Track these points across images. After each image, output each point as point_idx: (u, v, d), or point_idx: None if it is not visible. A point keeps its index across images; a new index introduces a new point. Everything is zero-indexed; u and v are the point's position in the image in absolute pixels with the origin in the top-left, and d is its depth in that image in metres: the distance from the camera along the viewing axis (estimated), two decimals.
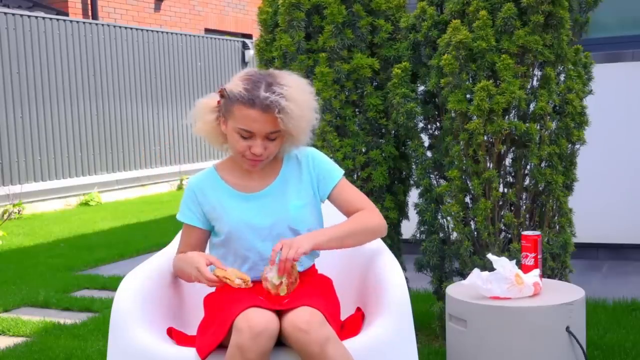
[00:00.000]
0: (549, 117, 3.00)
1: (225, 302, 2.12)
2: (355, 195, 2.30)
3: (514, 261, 2.47)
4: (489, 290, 2.39)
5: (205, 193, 2.27)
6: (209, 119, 2.22)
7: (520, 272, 2.45)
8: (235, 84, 2.14)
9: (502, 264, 2.42)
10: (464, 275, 3.13)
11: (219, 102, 2.20)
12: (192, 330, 2.36)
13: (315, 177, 2.29)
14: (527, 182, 3.08)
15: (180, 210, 2.30)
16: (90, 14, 11.35)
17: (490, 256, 2.44)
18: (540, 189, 3.05)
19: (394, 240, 3.36)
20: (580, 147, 3.15)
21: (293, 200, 2.25)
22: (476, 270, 2.46)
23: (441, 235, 3.22)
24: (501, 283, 2.38)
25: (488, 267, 2.90)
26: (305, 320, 1.95)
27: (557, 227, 3.10)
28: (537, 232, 2.56)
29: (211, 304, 2.23)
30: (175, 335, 2.20)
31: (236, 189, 2.27)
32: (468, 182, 3.05)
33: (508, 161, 3.07)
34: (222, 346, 2.03)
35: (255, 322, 1.92)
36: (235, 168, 2.30)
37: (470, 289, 2.50)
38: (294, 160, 2.31)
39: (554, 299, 2.40)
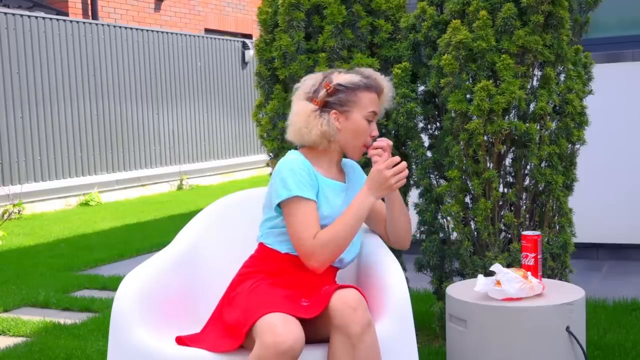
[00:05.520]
0: (549, 117, 3.00)
1: (263, 296, 2.12)
2: (383, 205, 2.50)
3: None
4: (502, 292, 2.38)
5: (313, 174, 2.27)
6: (316, 122, 2.27)
7: (523, 272, 2.45)
8: (349, 76, 2.31)
9: (499, 269, 2.41)
10: (464, 275, 3.13)
11: (318, 101, 2.28)
12: (191, 330, 2.35)
13: (359, 184, 2.43)
14: (527, 182, 3.08)
15: (299, 186, 2.20)
16: (90, 14, 11.35)
17: (494, 267, 2.43)
18: (540, 189, 3.05)
19: None
20: (580, 147, 3.15)
21: None
22: (481, 277, 2.45)
23: (441, 235, 3.22)
24: (513, 283, 2.37)
25: (488, 267, 2.90)
26: (357, 299, 2.02)
27: (557, 227, 3.10)
28: (537, 232, 2.56)
29: (244, 295, 2.19)
30: (187, 340, 2.18)
31: (327, 177, 2.33)
32: (468, 182, 3.05)
33: (508, 161, 3.07)
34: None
35: (282, 338, 1.90)
36: (317, 159, 2.33)
37: (470, 289, 2.50)
38: (347, 163, 2.47)
39: (554, 299, 2.40)
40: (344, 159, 2.45)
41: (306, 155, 2.32)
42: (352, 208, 2.22)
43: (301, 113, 2.30)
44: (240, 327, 2.05)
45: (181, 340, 2.18)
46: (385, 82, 2.37)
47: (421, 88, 3.26)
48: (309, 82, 2.35)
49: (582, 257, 4.89)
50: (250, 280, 2.24)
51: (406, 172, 2.23)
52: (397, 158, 2.23)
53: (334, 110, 2.29)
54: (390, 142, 2.32)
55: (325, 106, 2.29)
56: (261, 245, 2.32)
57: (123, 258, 5.92)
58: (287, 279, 2.24)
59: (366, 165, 3.22)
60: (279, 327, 1.93)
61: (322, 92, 2.30)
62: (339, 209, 2.29)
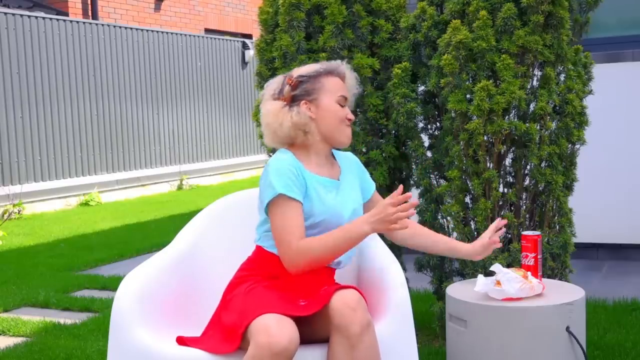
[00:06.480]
0: (549, 117, 3.00)
1: (259, 298, 2.12)
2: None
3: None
4: (502, 292, 2.38)
5: (301, 173, 2.24)
6: (286, 116, 2.26)
7: (523, 272, 2.45)
8: (308, 67, 2.33)
9: (499, 269, 2.41)
10: (464, 275, 3.13)
11: (285, 97, 2.28)
12: (191, 329, 2.36)
13: (359, 180, 2.43)
14: (527, 182, 3.08)
15: (285, 185, 2.16)
16: (90, 14, 11.35)
17: (494, 267, 2.43)
18: (540, 189, 3.05)
19: None
20: (580, 147, 3.15)
21: (358, 193, 2.39)
22: (481, 277, 2.45)
23: None
24: (513, 283, 2.37)
25: (488, 267, 2.90)
26: (356, 300, 2.02)
27: (557, 227, 3.10)
28: (537, 232, 2.56)
29: (241, 297, 2.18)
30: (188, 341, 2.19)
31: (318, 175, 2.30)
32: (468, 182, 3.05)
33: (508, 161, 3.07)
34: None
35: (276, 339, 1.90)
36: (306, 156, 2.31)
37: (470, 289, 2.50)
38: (344, 159, 2.43)
39: (554, 299, 2.40)
40: (342, 153, 2.43)
41: (295, 154, 2.29)
42: (344, 229, 2.13)
43: (270, 111, 2.30)
44: (236, 329, 2.05)
45: (182, 341, 2.18)
46: (344, 67, 2.37)
47: (421, 88, 3.26)
48: (272, 86, 2.36)
49: (582, 257, 4.89)
50: (247, 282, 2.23)
51: (410, 213, 2.09)
52: (408, 196, 2.09)
53: (303, 101, 2.28)
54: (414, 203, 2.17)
55: (293, 100, 2.28)
56: (258, 248, 2.30)
57: (123, 258, 5.92)
58: (285, 281, 2.23)
59: (367, 165, 3.22)
60: (273, 328, 1.93)
61: (287, 88, 2.30)
62: (332, 206, 2.25)
